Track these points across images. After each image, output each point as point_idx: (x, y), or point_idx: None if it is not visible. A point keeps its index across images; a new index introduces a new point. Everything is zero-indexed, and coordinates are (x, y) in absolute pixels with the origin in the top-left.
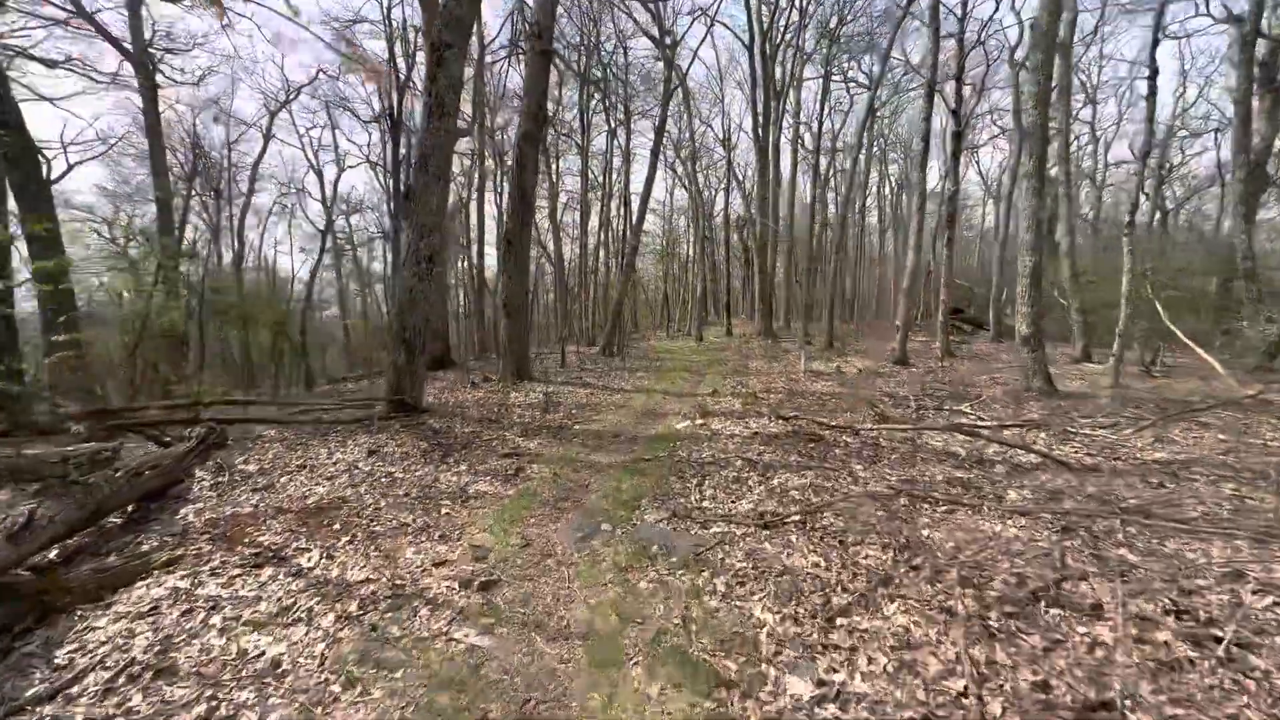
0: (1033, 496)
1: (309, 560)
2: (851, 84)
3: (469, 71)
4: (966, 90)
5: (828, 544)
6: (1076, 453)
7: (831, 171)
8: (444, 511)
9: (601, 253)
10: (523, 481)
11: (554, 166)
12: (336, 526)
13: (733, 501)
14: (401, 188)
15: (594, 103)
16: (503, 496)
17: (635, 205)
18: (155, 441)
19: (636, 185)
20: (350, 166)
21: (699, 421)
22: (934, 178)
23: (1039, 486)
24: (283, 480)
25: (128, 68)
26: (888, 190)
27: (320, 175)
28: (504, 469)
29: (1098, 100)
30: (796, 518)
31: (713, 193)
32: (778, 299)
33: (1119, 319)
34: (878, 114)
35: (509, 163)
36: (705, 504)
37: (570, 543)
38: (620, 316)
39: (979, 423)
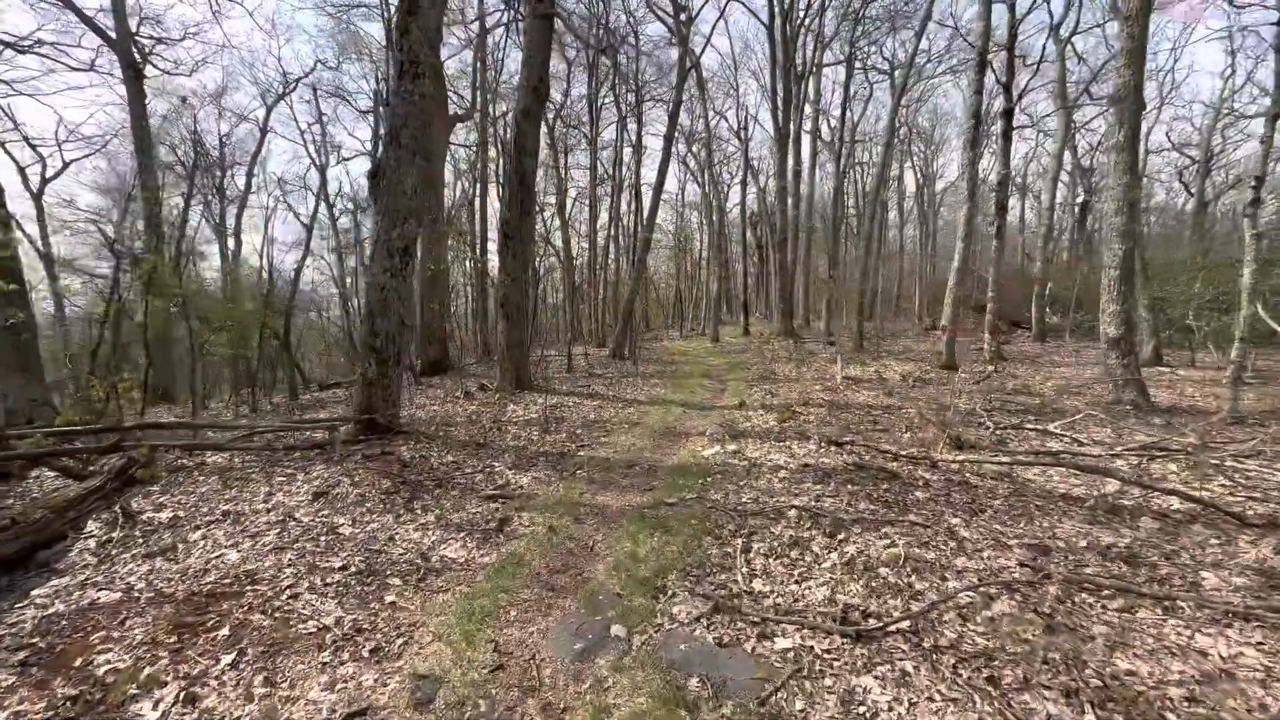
0: (1243, 584)
1: (154, 709)
2: (873, 71)
3: (468, 55)
4: (1019, 62)
5: (971, 683)
6: (1234, 495)
7: (853, 163)
8: (389, 599)
9: (611, 249)
10: (507, 540)
11: (561, 161)
12: (224, 632)
13: (797, 582)
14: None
15: (603, 91)
16: (477, 566)
17: (646, 199)
18: (67, 475)
19: (648, 176)
20: (346, 159)
21: (730, 446)
22: (954, 170)
23: (1231, 559)
24: (194, 537)
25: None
26: (910, 183)
27: (323, 171)
28: (485, 519)
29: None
30: (904, 623)
31: (725, 187)
32: (796, 297)
33: (1239, 319)
34: (906, 96)
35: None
36: (758, 584)
37: (564, 661)
38: (632, 316)
39: (1080, 448)
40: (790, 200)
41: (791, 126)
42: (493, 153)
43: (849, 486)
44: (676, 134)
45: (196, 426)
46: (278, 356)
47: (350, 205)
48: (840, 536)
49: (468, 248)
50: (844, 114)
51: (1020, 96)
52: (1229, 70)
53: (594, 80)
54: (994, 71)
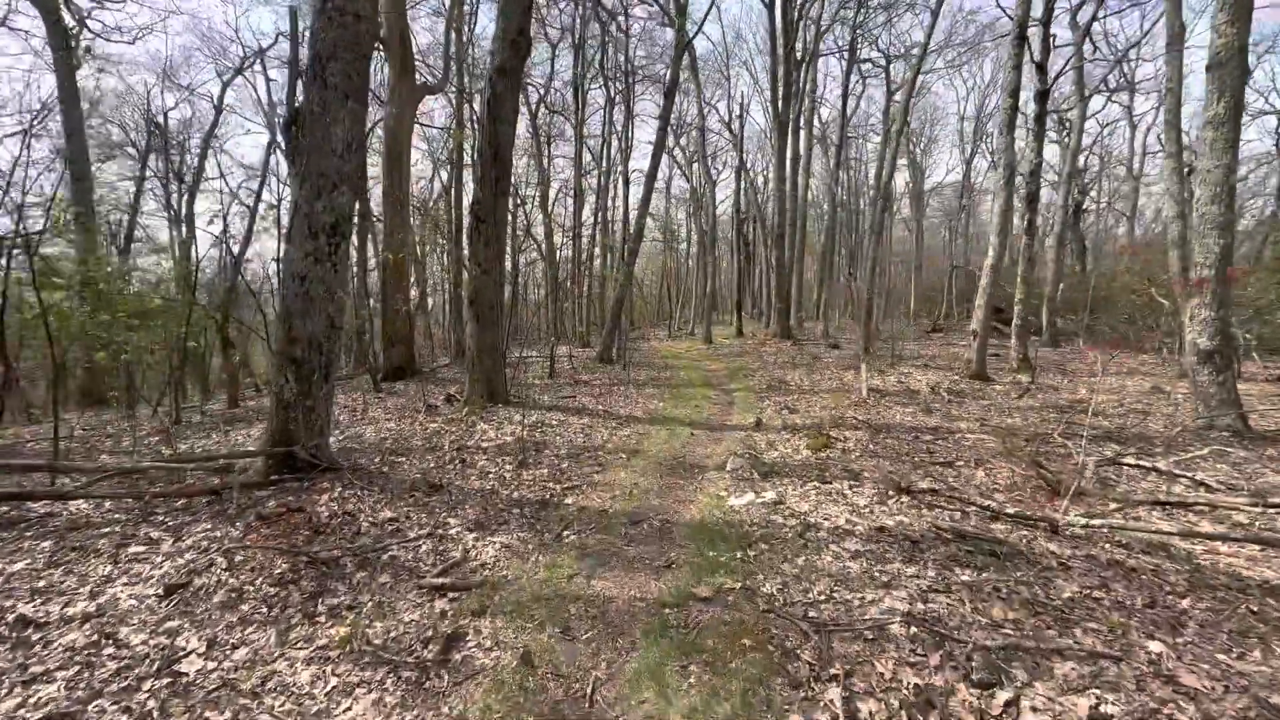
0: None
1: None
2: (868, 65)
3: (439, 25)
4: (1057, 37)
5: None
6: None
7: (846, 158)
8: None
9: (598, 242)
10: (453, 685)
11: (544, 150)
12: None
13: None
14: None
15: (589, 75)
16: None
17: (635, 192)
18: None
19: (638, 164)
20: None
21: (766, 493)
22: (941, 170)
23: None
24: None
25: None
26: (899, 181)
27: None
28: (423, 633)
29: (1136, 85)
30: None
31: (714, 182)
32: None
33: None
34: (921, 77)
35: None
36: None
37: None
38: (620, 316)
39: (1212, 494)
40: (789, 192)
41: (792, 115)
42: (471, 135)
43: (958, 571)
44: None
45: (55, 469)
46: (223, 356)
47: None
48: (994, 688)
49: (440, 237)
50: (844, 105)
51: (1057, 78)
52: None
53: (580, 62)
54: (1030, 50)
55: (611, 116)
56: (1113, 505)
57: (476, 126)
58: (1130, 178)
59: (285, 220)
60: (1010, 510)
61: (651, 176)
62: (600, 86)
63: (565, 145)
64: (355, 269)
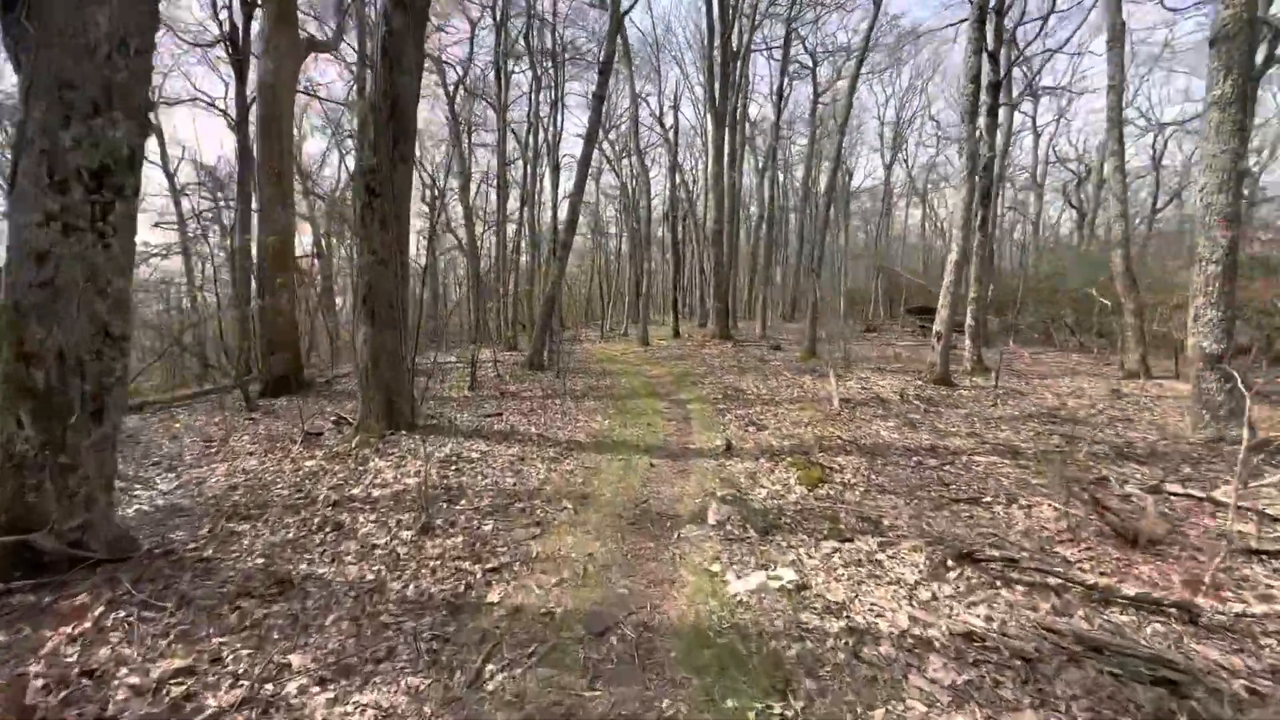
0: None
1: None
2: (795, 65)
3: None
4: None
5: None
6: None
7: (786, 155)
8: None
9: (526, 231)
10: None
11: (465, 139)
12: None
13: None
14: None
15: (516, 55)
16: None
17: (566, 185)
18: None
19: (568, 151)
20: (176, 101)
21: (776, 568)
22: (860, 173)
23: None
24: None
25: None
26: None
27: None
28: None
29: (1039, 92)
30: None
31: (648, 173)
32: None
33: None
34: (866, 66)
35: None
36: None
37: None
38: (552, 316)
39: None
40: (726, 187)
41: (728, 107)
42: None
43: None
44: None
45: None
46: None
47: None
48: None
49: (348, 228)
50: (779, 103)
51: (1010, 67)
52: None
53: (502, 40)
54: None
55: (538, 102)
56: (1215, 560)
57: (369, 71)
58: (1035, 184)
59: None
60: (1128, 591)
61: (585, 160)
62: (525, 70)
63: (488, 134)
64: (231, 256)
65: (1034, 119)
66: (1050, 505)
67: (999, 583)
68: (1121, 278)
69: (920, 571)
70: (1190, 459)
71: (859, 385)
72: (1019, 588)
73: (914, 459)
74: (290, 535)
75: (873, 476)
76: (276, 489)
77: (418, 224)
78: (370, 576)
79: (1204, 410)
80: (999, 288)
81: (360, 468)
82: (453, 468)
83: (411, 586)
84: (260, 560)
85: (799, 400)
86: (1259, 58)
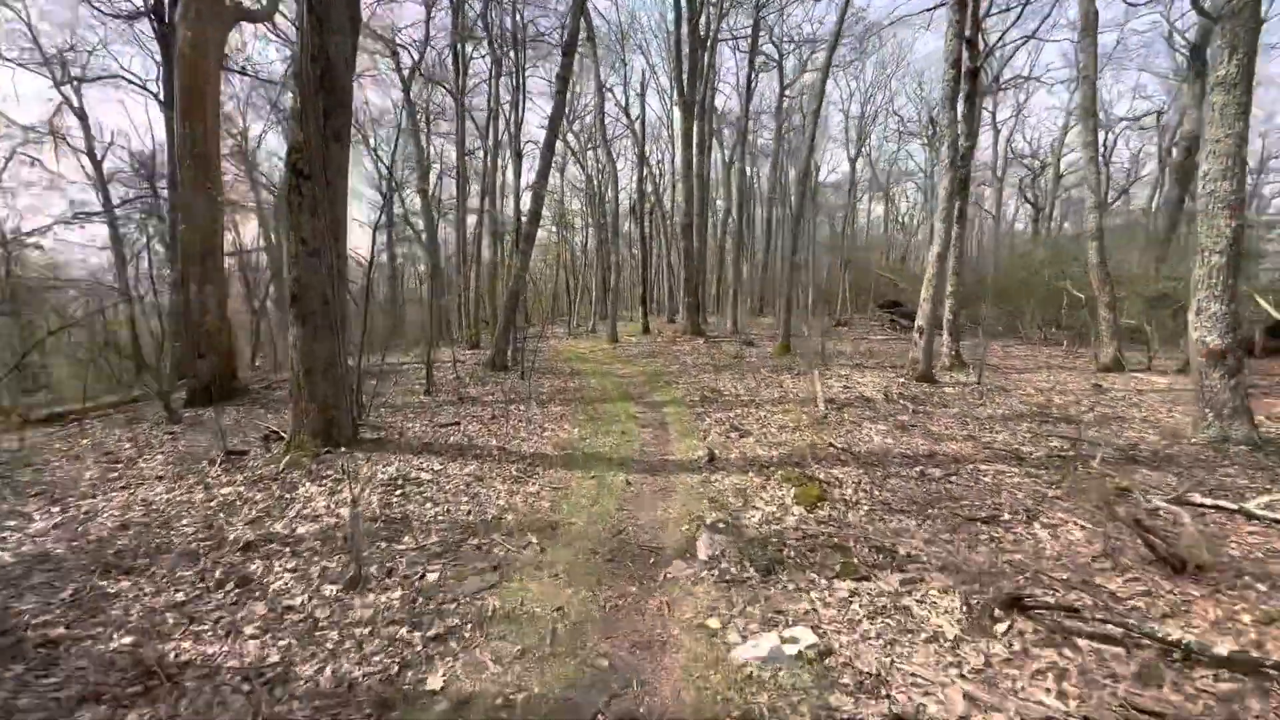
0: None
1: None
2: (761, 58)
3: None
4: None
5: None
6: None
7: (752, 148)
8: None
9: (486, 228)
10: None
11: (425, 130)
12: None
13: None
14: None
15: (475, 39)
16: None
17: (529, 175)
18: None
19: (531, 137)
20: (96, 78)
21: (790, 628)
22: (825, 170)
23: None
24: None
25: None
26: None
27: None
28: None
29: (1003, 86)
30: None
31: (615, 164)
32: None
33: None
34: (827, 73)
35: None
36: None
37: None
38: (516, 312)
39: None
40: (697, 178)
41: (697, 95)
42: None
43: None
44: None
45: None
46: None
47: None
48: None
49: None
50: (748, 94)
51: (987, 54)
52: None
53: (459, 22)
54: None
55: (498, 88)
56: None
57: (297, 36)
58: (995, 180)
59: None
60: (1219, 649)
61: (550, 146)
62: (484, 56)
63: (447, 124)
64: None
65: (994, 114)
66: (1078, 524)
67: (1059, 638)
68: (1095, 270)
69: (959, 622)
70: (1200, 462)
71: (841, 384)
72: (1084, 645)
73: (915, 468)
74: (180, 596)
75: (875, 492)
76: (180, 526)
77: (366, 213)
78: (275, 657)
79: (1207, 409)
80: (968, 282)
81: (287, 495)
82: (398, 493)
83: (329, 670)
84: (128, 640)
85: (781, 402)
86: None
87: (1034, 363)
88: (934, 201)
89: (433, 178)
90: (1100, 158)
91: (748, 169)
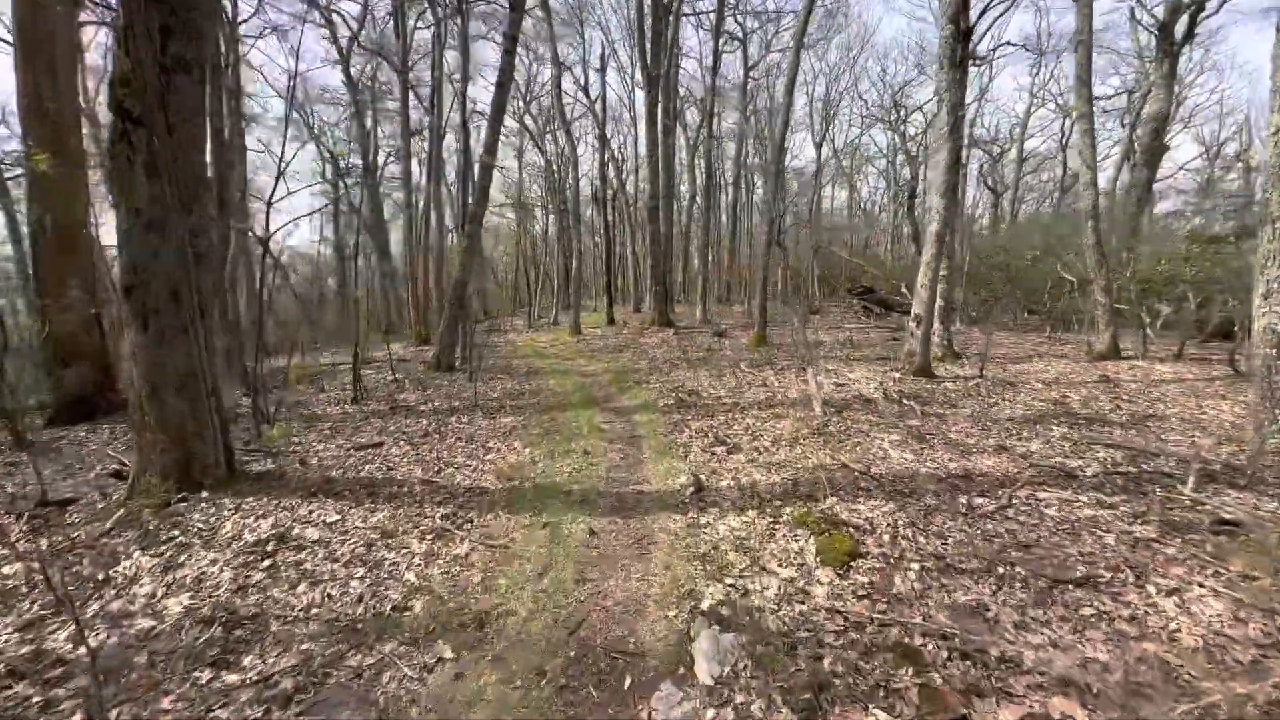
0: None
1: None
2: (724, 38)
3: None
4: None
5: None
6: None
7: (717, 130)
8: None
9: (432, 212)
10: None
11: (370, 107)
12: None
13: None
14: None
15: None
16: None
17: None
18: None
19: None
20: None
21: None
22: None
23: None
24: None
25: None
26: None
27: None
28: None
29: (975, 59)
30: None
31: (575, 145)
32: (628, 277)
33: None
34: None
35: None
36: None
37: None
38: (463, 305)
39: None
40: (662, 159)
41: (661, 70)
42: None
43: None
44: (513, 89)
45: None
46: None
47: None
48: None
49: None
50: (714, 72)
51: (980, 15)
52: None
53: None
54: None
55: (443, 58)
56: None
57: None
58: (962, 163)
59: None
60: None
61: (499, 110)
62: (429, 27)
63: (394, 103)
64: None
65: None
66: (1204, 584)
67: None
68: (1091, 251)
69: None
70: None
71: (832, 381)
72: None
73: (958, 498)
74: None
75: (921, 539)
76: None
77: (307, 200)
78: None
79: (1276, 410)
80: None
81: (103, 573)
82: (265, 564)
83: None
84: None
85: (770, 405)
86: None
87: (1021, 351)
88: (896, 188)
89: (381, 158)
90: (1060, 143)
91: (713, 152)
